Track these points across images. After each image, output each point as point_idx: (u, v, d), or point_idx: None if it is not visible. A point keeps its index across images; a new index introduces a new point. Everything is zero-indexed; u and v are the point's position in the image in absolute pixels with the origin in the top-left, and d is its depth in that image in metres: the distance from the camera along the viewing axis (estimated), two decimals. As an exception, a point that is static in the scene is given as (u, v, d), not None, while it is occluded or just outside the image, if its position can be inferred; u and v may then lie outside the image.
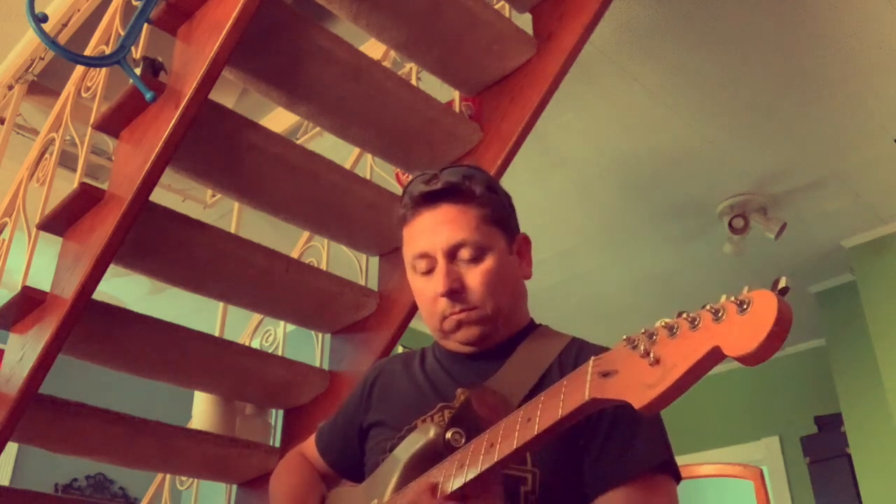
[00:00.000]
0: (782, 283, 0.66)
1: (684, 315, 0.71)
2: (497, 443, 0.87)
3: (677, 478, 1.04)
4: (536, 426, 0.83)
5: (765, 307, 0.65)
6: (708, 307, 0.69)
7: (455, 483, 0.90)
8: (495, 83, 2.27)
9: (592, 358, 0.81)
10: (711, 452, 4.80)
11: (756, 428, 4.82)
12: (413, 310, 2.18)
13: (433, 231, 1.11)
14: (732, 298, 0.68)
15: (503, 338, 1.13)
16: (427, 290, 1.12)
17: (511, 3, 2.34)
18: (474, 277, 1.10)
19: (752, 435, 4.82)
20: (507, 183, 1.33)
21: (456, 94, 2.41)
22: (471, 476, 0.88)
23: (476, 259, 1.10)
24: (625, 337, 0.76)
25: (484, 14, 2.13)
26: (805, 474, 4.34)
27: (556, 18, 2.21)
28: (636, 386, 0.72)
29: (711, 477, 4.89)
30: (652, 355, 0.72)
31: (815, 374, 4.56)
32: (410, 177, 2.52)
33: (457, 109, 2.38)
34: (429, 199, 1.12)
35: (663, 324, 0.73)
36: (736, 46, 2.81)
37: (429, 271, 1.12)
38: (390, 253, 2.33)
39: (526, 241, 1.19)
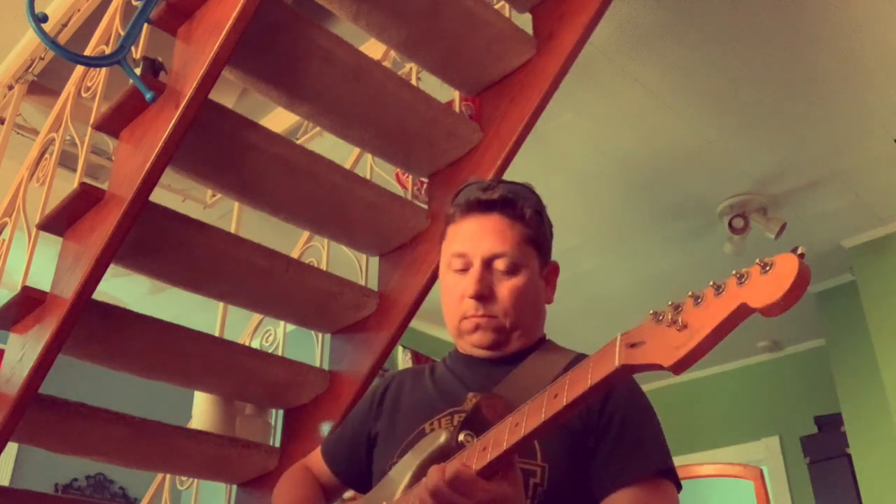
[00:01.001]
0: (800, 250, 0.71)
1: (711, 284, 0.75)
2: (523, 421, 0.89)
3: (678, 487, 1.08)
4: (565, 398, 0.86)
5: (786, 265, 0.71)
6: (733, 273, 0.74)
7: (478, 463, 0.91)
8: (495, 83, 2.26)
9: (620, 333, 0.84)
10: (711, 452, 4.81)
11: (756, 428, 4.82)
12: (413, 310, 2.19)
13: (479, 236, 1.16)
14: (757, 261, 0.73)
15: (515, 349, 1.18)
16: (457, 288, 1.17)
17: (511, 3, 2.34)
18: (503, 289, 1.15)
19: (752, 435, 4.82)
20: (506, 183, 1.34)
21: (456, 94, 2.41)
22: (496, 453, 0.89)
23: (509, 273, 1.16)
24: (651, 312, 0.80)
25: (484, 14, 2.13)
26: (805, 474, 4.34)
27: (556, 18, 2.21)
28: (664, 349, 0.76)
29: (711, 477, 4.90)
30: (679, 322, 0.76)
31: (815, 374, 4.57)
32: (410, 177, 2.54)
33: (457, 109, 2.38)
34: (482, 206, 1.17)
35: (689, 294, 0.77)
36: (736, 46, 2.81)
37: (462, 271, 1.17)
38: (390, 253, 2.33)
39: (555, 268, 1.26)
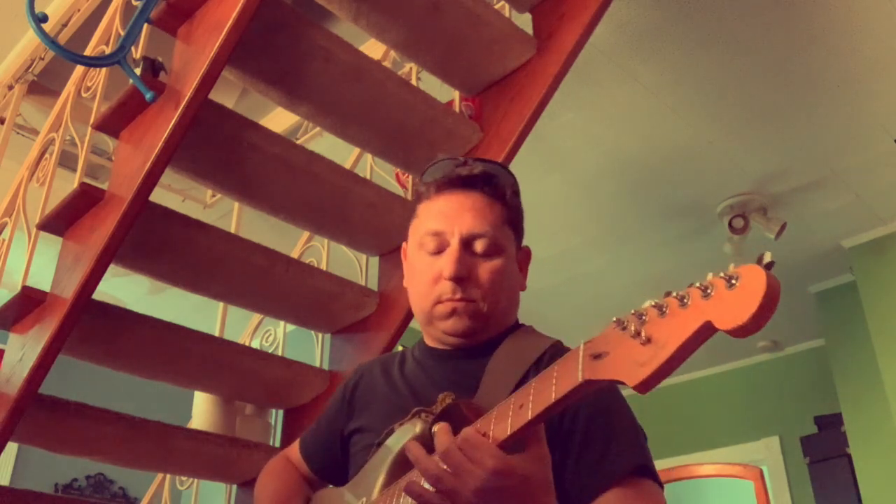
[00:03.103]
0: (767, 258, 0.65)
1: (673, 294, 0.71)
2: (489, 431, 0.85)
3: (660, 483, 1.01)
4: (529, 411, 0.81)
5: (753, 281, 0.64)
6: (697, 284, 0.69)
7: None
8: (495, 83, 2.27)
9: (583, 341, 0.79)
10: (711, 452, 4.81)
11: (756, 428, 4.81)
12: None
13: (457, 214, 1.09)
14: (721, 274, 0.67)
15: (486, 338, 1.11)
16: (430, 269, 1.09)
17: (511, 3, 2.34)
18: (483, 271, 1.08)
19: (752, 435, 4.82)
20: (507, 183, 1.33)
21: (456, 94, 2.41)
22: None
23: (489, 255, 1.08)
24: (614, 319, 0.75)
25: (484, 14, 2.13)
26: (805, 474, 4.34)
27: (556, 18, 2.21)
28: (628, 365, 0.71)
29: (711, 477, 4.90)
30: (643, 334, 0.71)
31: (815, 374, 4.56)
32: (410, 176, 2.54)
33: (457, 109, 2.38)
34: (461, 183, 1.10)
35: (652, 304, 0.72)
36: (736, 46, 2.81)
37: (437, 252, 1.09)
38: (390, 253, 2.33)
39: (528, 254, 1.18)
